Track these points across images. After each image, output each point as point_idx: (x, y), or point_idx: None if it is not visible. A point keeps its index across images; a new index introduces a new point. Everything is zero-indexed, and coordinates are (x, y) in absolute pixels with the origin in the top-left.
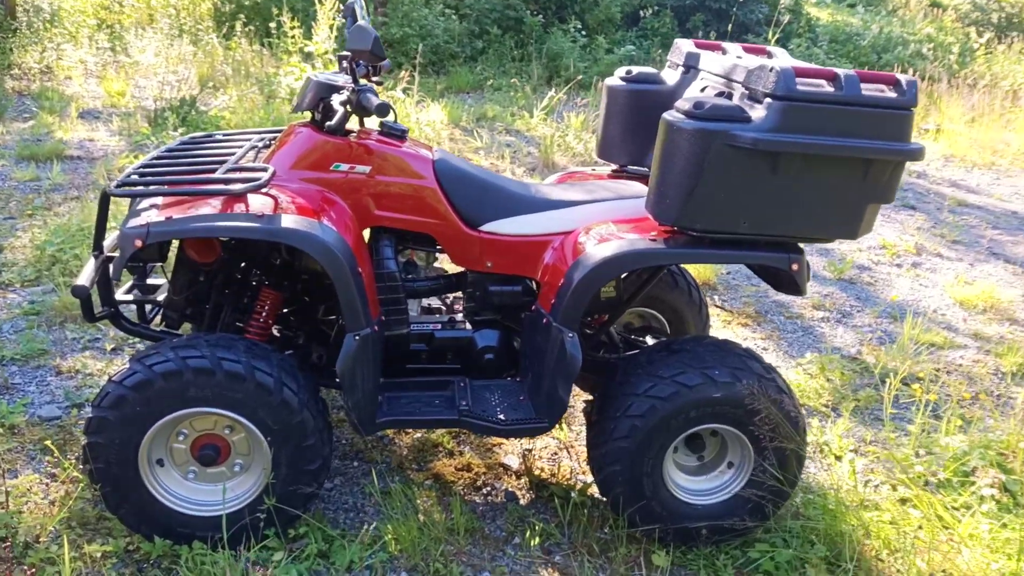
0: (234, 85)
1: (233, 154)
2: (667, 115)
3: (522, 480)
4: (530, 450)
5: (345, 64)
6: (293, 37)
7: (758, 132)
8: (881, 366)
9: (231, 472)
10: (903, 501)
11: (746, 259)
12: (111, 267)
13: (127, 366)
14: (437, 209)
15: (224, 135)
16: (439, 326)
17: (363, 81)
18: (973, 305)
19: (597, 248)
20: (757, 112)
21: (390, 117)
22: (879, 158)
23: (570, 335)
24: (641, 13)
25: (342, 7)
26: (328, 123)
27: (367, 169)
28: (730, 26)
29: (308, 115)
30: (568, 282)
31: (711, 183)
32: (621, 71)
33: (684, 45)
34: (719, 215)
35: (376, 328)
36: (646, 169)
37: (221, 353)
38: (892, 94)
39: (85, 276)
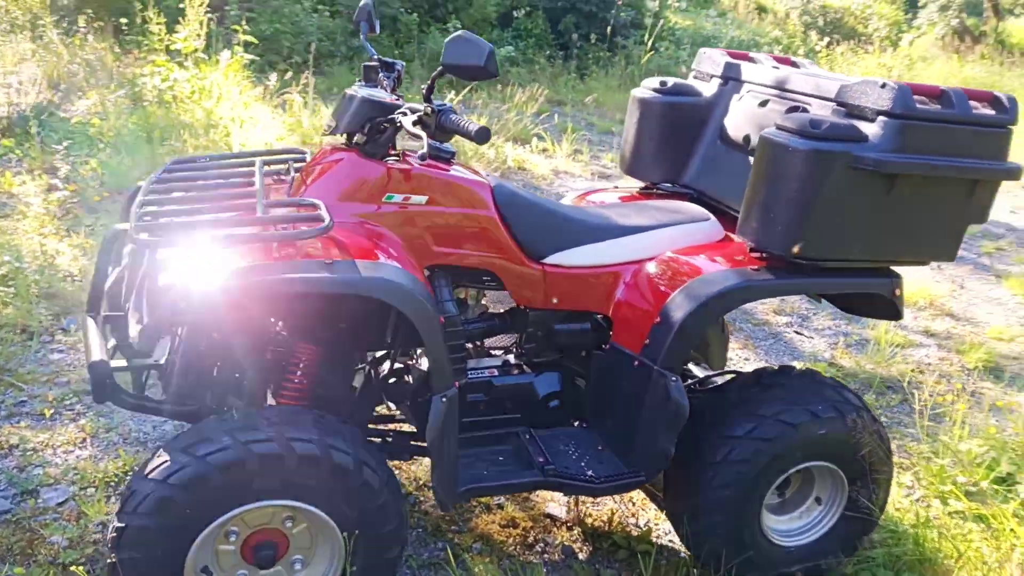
0: (94, 88)
1: (249, 184)
2: (771, 135)
3: (575, 531)
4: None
5: (379, 76)
6: (158, 34)
7: (879, 153)
8: (883, 376)
9: (289, 572)
10: (952, 515)
11: (851, 287)
12: (136, 334)
13: (166, 458)
14: (500, 242)
15: (211, 159)
16: (495, 372)
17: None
18: (914, 302)
19: (702, 282)
20: (869, 130)
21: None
22: (984, 178)
23: (673, 379)
24: (514, 13)
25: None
26: (420, 151)
27: (423, 199)
28: (609, 29)
29: (339, 138)
30: (667, 320)
31: (828, 208)
32: (652, 82)
33: (716, 55)
34: (833, 241)
35: (457, 385)
36: (680, 188)
37: (290, 432)
38: (991, 111)
39: (96, 347)
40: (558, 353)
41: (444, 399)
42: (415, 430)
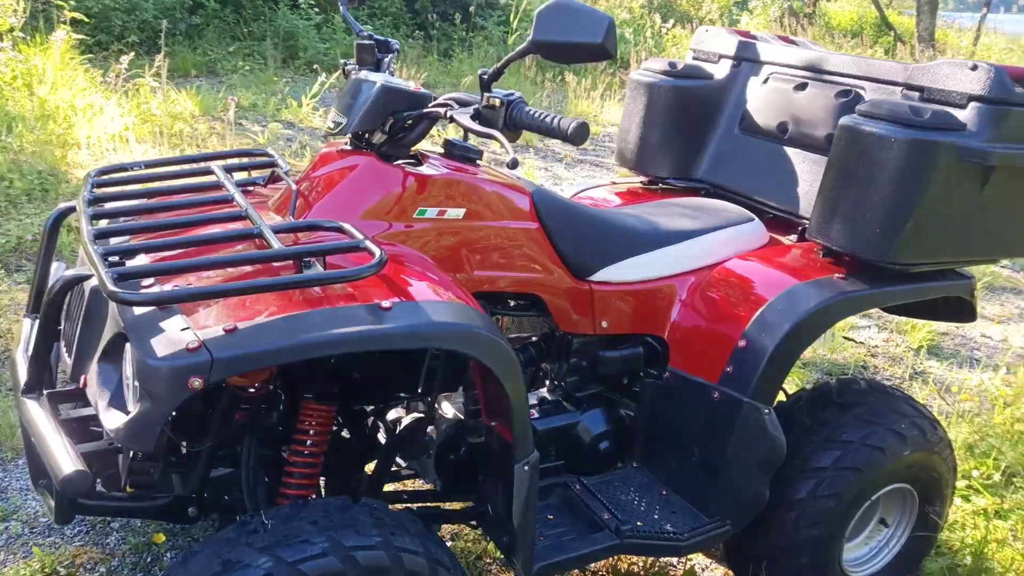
0: None
1: (226, 201)
2: (862, 124)
3: None
4: None
5: (382, 57)
6: None
7: (982, 143)
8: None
9: None
10: (976, 513)
11: (940, 291)
12: (119, 426)
13: None
14: (545, 259)
15: (146, 165)
16: (535, 413)
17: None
18: None
19: (790, 297)
20: (963, 118)
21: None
22: None
23: (766, 412)
24: None
25: None
26: (509, 157)
27: (460, 212)
28: (473, 8)
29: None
30: (756, 344)
31: (931, 205)
32: (656, 64)
33: (724, 33)
34: (930, 243)
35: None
36: (693, 183)
37: (348, 538)
38: None
39: (62, 450)
40: (600, 385)
41: (527, 467)
42: (433, 489)
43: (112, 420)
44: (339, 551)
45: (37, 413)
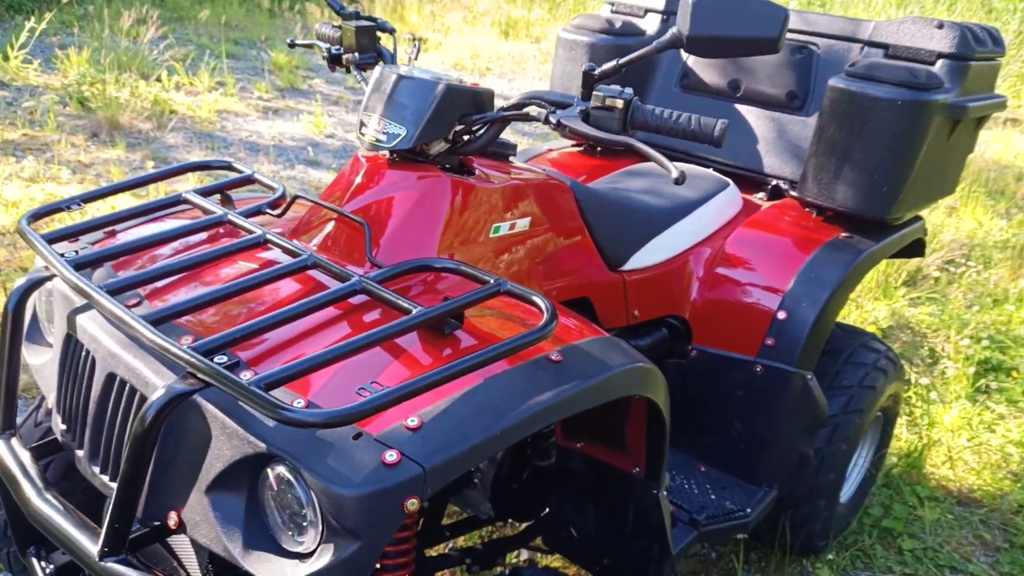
0: None
1: (252, 243)
2: (861, 86)
3: None
4: None
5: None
6: None
7: (955, 98)
8: None
9: None
10: None
11: (913, 235)
12: None
13: None
14: (590, 256)
15: (83, 199)
16: None
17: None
18: None
19: (818, 263)
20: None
21: None
22: (994, 112)
23: (810, 377)
24: None
25: None
26: (675, 172)
27: (527, 222)
28: None
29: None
30: (797, 315)
31: (923, 160)
32: (593, 21)
33: None
34: (917, 194)
35: None
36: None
37: None
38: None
39: None
40: None
41: (666, 491)
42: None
43: (277, 570)
44: None
45: None
